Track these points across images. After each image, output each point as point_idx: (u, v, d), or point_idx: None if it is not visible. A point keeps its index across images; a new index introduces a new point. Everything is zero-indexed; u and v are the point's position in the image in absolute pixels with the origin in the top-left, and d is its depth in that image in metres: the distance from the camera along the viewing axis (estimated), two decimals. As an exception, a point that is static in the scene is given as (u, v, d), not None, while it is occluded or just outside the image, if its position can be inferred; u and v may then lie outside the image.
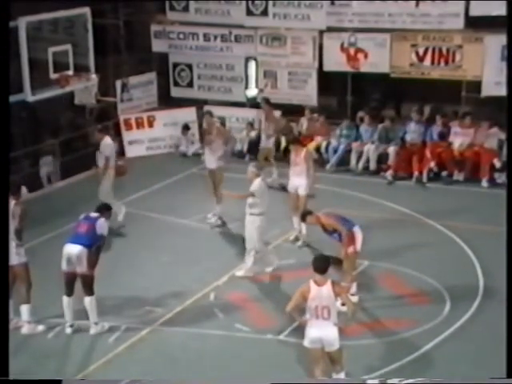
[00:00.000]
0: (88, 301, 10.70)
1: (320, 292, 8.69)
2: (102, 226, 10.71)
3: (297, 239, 13.74)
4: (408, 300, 11.66)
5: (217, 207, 14.64)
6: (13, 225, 10.55)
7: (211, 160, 14.70)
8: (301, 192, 13.62)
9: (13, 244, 10.57)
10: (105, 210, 11.02)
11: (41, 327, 10.87)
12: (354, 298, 11.34)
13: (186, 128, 19.52)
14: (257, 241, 12.37)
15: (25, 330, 10.80)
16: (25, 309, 10.80)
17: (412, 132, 17.37)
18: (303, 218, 11.97)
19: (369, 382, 9.24)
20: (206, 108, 16.07)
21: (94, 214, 10.82)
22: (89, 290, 10.66)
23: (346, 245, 11.18)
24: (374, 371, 9.66)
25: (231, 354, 10.25)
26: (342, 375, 9.14)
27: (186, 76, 20.38)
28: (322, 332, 8.79)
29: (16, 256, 10.66)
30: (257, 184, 12.22)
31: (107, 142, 14.47)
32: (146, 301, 11.56)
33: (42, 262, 12.85)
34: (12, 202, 10.69)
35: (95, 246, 10.63)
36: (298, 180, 13.65)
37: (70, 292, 10.69)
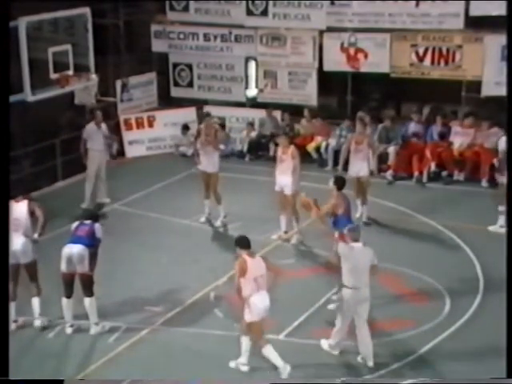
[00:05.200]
0: (88, 302, 10.72)
1: (255, 263, 9.47)
2: (99, 229, 10.88)
3: (280, 238, 13.79)
4: (408, 300, 11.66)
5: (219, 207, 14.62)
6: (35, 222, 10.83)
7: (209, 163, 14.60)
8: (287, 192, 13.58)
9: (28, 241, 10.74)
10: (95, 216, 11.17)
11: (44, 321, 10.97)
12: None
13: (185, 128, 19.53)
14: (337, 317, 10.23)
15: (38, 323, 10.89)
16: (37, 302, 10.89)
17: (412, 132, 17.46)
18: (337, 183, 11.58)
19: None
20: (206, 109, 16.00)
21: (87, 221, 10.94)
22: (88, 290, 10.68)
23: (335, 242, 11.21)
24: (374, 371, 9.66)
25: (231, 354, 10.24)
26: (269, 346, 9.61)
27: (186, 76, 20.37)
28: (265, 302, 9.52)
29: (32, 253, 10.85)
30: (340, 247, 10.13)
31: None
32: (146, 301, 11.57)
33: (41, 261, 12.87)
34: (25, 202, 10.90)
35: (94, 247, 10.72)
36: (284, 178, 13.60)
37: (69, 293, 10.72)
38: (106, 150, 15.98)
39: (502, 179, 13.99)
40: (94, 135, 15.62)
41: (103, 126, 15.89)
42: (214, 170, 14.58)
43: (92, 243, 10.68)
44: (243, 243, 9.64)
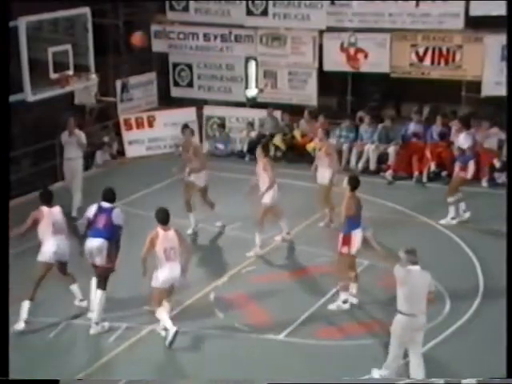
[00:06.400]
0: (99, 294, 10.79)
1: (166, 236, 10.22)
2: (118, 215, 10.86)
3: (284, 239, 13.62)
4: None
5: (212, 213, 14.34)
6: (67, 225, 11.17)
7: (197, 177, 14.08)
8: (263, 200, 13.17)
9: (67, 242, 11.05)
10: (113, 196, 11.07)
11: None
12: (354, 300, 11.36)
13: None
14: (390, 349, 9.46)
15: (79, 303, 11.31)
16: (76, 287, 11.30)
17: (412, 132, 17.48)
18: (351, 183, 11.22)
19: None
20: (186, 124, 15.22)
21: (106, 205, 10.89)
22: (102, 283, 10.78)
23: (340, 243, 11.21)
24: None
25: (231, 354, 10.25)
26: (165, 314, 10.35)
27: (186, 76, 20.38)
28: (172, 272, 10.22)
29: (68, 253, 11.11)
30: (397, 270, 9.23)
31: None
32: (146, 301, 11.54)
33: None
34: (57, 207, 11.13)
35: (115, 238, 10.77)
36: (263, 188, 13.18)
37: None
38: (80, 158, 15.25)
39: (461, 173, 14.45)
40: (67, 143, 15.15)
41: (78, 133, 15.20)
42: (204, 183, 14.12)
43: (112, 235, 10.71)
44: (158, 217, 10.36)
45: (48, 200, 11.14)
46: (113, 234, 10.75)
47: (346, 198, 11.26)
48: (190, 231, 14.18)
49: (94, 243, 10.66)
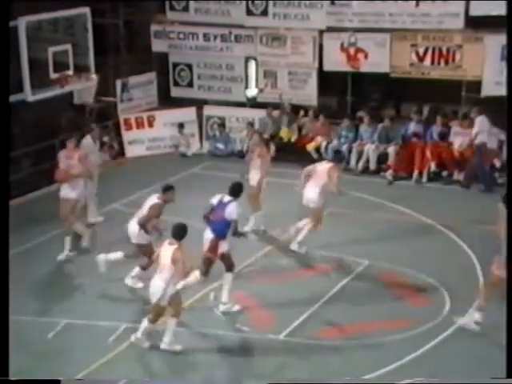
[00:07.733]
0: (227, 276, 11.20)
1: (165, 251, 10.01)
2: (231, 211, 10.97)
3: None
4: (408, 300, 11.66)
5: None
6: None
7: (71, 189, 13.13)
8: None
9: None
10: (238, 190, 11.24)
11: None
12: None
13: (181, 127, 19.55)
14: None
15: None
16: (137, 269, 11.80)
17: (412, 132, 17.47)
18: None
19: None
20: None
21: (226, 198, 11.08)
22: (229, 266, 11.17)
23: (495, 264, 10.52)
24: (374, 371, 9.67)
25: (231, 353, 10.25)
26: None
27: (186, 76, 20.39)
28: (152, 285, 10.07)
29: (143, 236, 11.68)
30: None
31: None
32: (146, 301, 11.54)
33: (42, 261, 12.91)
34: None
35: (224, 233, 11.00)
36: None
37: (204, 272, 11.23)
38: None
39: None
40: (91, 150, 14.49)
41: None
42: (76, 196, 13.20)
43: (221, 231, 10.96)
44: (176, 234, 10.13)
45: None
46: (222, 230, 10.97)
47: (502, 217, 10.15)
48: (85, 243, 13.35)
49: (207, 236, 11.11)
